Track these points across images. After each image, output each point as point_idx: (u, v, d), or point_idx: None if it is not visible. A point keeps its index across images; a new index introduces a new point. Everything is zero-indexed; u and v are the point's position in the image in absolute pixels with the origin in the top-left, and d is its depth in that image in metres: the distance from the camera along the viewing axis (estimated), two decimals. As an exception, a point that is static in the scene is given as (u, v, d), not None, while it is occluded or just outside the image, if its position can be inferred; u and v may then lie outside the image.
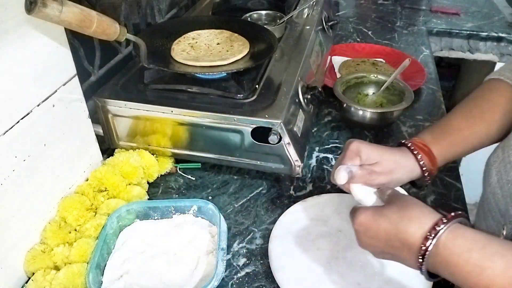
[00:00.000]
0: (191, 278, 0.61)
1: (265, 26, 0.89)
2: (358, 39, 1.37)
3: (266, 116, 0.70)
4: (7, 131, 0.57)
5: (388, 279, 0.60)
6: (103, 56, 0.86)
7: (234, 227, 0.71)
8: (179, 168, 0.82)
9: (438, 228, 0.45)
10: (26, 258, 0.63)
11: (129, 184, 0.74)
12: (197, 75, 0.76)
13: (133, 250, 0.65)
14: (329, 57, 1.13)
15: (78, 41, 0.76)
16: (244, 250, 0.67)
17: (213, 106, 0.73)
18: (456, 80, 1.95)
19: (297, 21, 1.01)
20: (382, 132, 0.93)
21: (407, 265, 0.49)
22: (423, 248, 0.45)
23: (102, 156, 0.81)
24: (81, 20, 0.58)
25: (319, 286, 0.60)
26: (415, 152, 0.61)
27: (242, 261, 0.65)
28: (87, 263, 0.62)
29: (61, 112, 0.68)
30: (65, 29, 0.65)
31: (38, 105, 0.63)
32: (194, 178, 0.81)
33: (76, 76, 0.71)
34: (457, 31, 1.43)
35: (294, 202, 0.73)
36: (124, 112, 0.76)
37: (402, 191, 0.56)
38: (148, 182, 0.79)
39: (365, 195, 0.56)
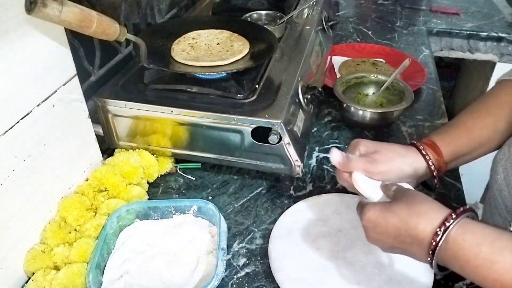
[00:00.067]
0: (191, 278, 0.61)
1: (265, 26, 0.89)
2: (358, 39, 1.37)
3: (266, 116, 0.70)
4: (7, 131, 0.57)
5: (388, 279, 0.60)
6: (103, 56, 0.86)
7: (234, 227, 0.71)
8: (179, 168, 0.82)
9: (447, 224, 0.45)
10: (26, 258, 0.63)
11: (129, 184, 0.74)
12: (197, 75, 0.76)
13: (133, 250, 0.65)
14: (329, 57, 1.13)
15: (78, 41, 0.76)
16: (244, 250, 0.67)
17: (213, 106, 0.73)
18: (456, 80, 1.96)
19: (297, 21, 1.01)
20: (382, 132, 0.93)
21: (416, 259, 0.50)
22: (433, 243, 0.46)
23: (102, 156, 0.81)
24: (81, 20, 0.58)
25: (319, 286, 0.60)
26: (417, 144, 0.62)
27: (242, 261, 0.65)
28: (87, 263, 0.62)
29: (61, 112, 0.68)
30: (65, 29, 0.65)
31: (38, 105, 0.63)
32: (194, 178, 0.81)
33: (76, 76, 0.71)
34: (457, 31, 1.43)
35: (294, 202, 0.73)
36: (124, 112, 0.76)
37: (408, 186, 0.56)
38: (148, 182, 0.79)
39: (372, 189, 0.56)
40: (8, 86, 0.57)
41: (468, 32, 1.42)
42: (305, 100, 0.79)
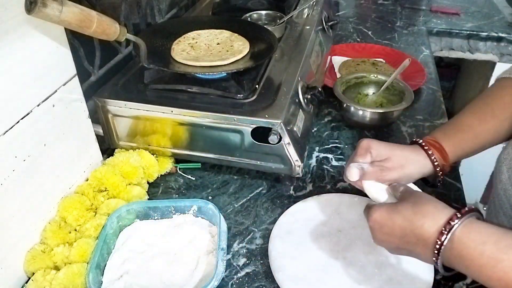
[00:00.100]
0: (191, 278, 0.61)
1: (265, 26, 0.89)
2: (358, 39, 1.37)
3: (266, 116, 0.70)
4: (7, 131, 0.57)
5: (388, 279, 0.60)
6: (103, 56, 0.86)
7: (234, 227, 0.71)
8: (179, 168, 0.82)
9: (452, 223, 0.46)
10: (26, 258, 0.63)
11: (129, 184, 0.74)
12: (197, 75, 0.76)
13: (133, 250, 0.65)
14: (329, 57, 1.13)
15: (78, 41, 0.76)
16: (244, 250, 0.67)
17: (213, 106, 0.73)
18: (456, 80, 1.96)
19: (297, 21, 1.01)
20: (382, 132, 0.93)
21: (422, 260, 0.50)
22: (438, 243, 0.46)
23: (102, 156, 0.81)
24: (81, 20, 0.58)
25: (319, 286, 0.60)
26: (426, 148, 0.62)
27: (242, 261, 0.65)
28: (87, 263, 0.62)
29: (61, 112, 0.68)
30: (65, 29, 0.65)
31: (38, 105, 0.63)
32: (194, 178, 0.81)
33: (76, 76, 0.71)
34: (457, 31, 1.43)
35: (294, 202, 0.73)
36: (124, 112, 0.76)
37: (415, 187, 0.57)
38: (148, 182, 0.79)
39: (378, 191, 0.57)
40: (8, 86, 0.57)
41: (468, 32, 1.42)
42: (305, 100, 0.79)
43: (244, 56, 0.78)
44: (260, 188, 0.78)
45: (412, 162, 0.61)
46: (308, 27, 0.97)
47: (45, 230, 0.65)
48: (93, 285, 0.58)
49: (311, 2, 1.06)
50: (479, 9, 1.58)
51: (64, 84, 0.68)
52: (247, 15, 0.99)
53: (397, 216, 0.50)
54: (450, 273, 0.49)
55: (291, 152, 0.71)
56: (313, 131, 0.93)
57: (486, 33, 1.41)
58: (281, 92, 0.75)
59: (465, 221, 0.46)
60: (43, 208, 0.67)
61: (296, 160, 0.72)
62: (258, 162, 0.75)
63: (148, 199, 0.76)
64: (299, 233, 0.67)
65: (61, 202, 0.69)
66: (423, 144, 0.63)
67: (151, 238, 0.67)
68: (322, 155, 0.86)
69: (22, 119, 0.60)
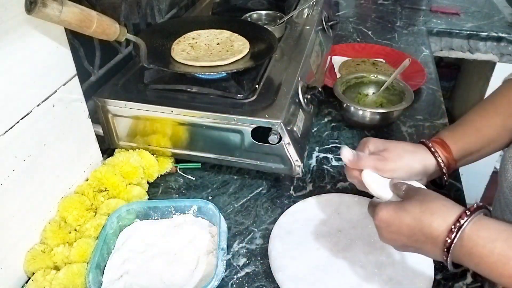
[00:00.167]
0: (191, 278, 0.61)
1: (265, 26, 0.89)
2: (358, 39, 1.37)
3: (266, 116, 0.70)
4: (7, 131, 0.57)
5: (388, 279, 0.60)
6: (103, 56, 0.86)
7: (234, 227, 0.71)
8: (179, 168, 0.82)
9: (462, 221, 0.46)
10: (26, 258, 0.63)
11: (129, 184, 0.74)
12: (197, 75, 0.76)
13: (133, 250, 0.65)
14: (329, 57, 1.13)
15: (78, 41, 0.76)
16: (244, 250, 0.67)
17: (213, 106, 0.73)
18: (456, 80, 1.96)
19: (297, 21, 1.01)
20: (382, 132, 0.93)
21: (431, 257, 0.50)
22: (448, 241, 0.46)
23: (102, 156, 0.81)
24: (81, 20, 0.58)
25: (319, 286, 0.60)
26: (426, 142, 0.62)
27: (242, 261, 0.65)
28: (87, 263, 0.62)
29: (61, 112, 0.68)
30: (65, 29, 0.65)
31: (38, 105, 0.63)
32: (194, 178, 0.81)
33: (76, 76, 0.71)
34: (457, 31, 1.43)
35: (294, 202, 0.73)
36: (124, 112, 0.76)
37: (418, 184, 0.56)
38: (148, 182, 0.79)
39: (380, 187, 0.57)
40: (8, 86, 0.57)
41: (468, 32, 1.42)
42: (305, 100, 0.79)
43: (244, 56, 0.78)
44: (260, 188, 0.78)
45: (411, 153, 0.60)
46: (308, 27, 0.97)
47: (45, 230, 0.65)
48: (93, 285, 0.58)
49: (311, 2, 1.06)
50: (479, 9, 1.58)
51: (64, 84, 0.68)
52: (247, 15, 0.99)
53: (404, 215, 0.49)
54: (459, 269, 0.49)
55: (291, 152, 0.71)
56: (313, 131, 0.93)
57: (486, 33, 1.41)
58: (281, 92, 0.75)
59: (474, 219, 0.46)
60: (43, 208, 0.67)
61: (296, 160, 0.72)
62: (258, 162, 0.75)
63: (148, 199, 0.76)
64: (299, 233, 0.67)
65: (61, 202, 0.69)
66: (423, 140, 0.63)
67: (151, 238, 0.67)
68: (322, 155, 0.86)
69: (22, 119, 0.60)
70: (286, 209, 0.72)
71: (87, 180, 0.75)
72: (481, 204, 0.48)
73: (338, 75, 1.13)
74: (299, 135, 0.75)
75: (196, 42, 0.83)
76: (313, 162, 0.84)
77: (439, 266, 0.61)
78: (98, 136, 0.79)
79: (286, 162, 0.73)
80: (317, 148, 0.88)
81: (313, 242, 0.66)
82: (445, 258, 0.47)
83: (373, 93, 1.01)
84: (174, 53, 0.78)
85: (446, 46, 1.47)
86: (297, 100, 0.78)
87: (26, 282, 0.61)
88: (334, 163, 0.84)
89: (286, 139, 0.70)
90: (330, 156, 0.86)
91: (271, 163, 0.74)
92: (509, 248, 0.44)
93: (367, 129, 0.93)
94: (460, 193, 0.76)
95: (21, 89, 0.60)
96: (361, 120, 0.91)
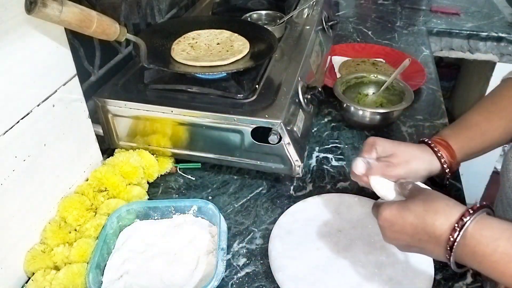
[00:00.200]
0: (191, 278, 0.61)
1: (265, 26, 0.89)
2: (358, 39, 1.37)
3: (266, 116, 0.70)
4: (7, 131, 0.57)
5: (388, 279, 0.60)
6: (103, 56, 0.86)
7: (234, 227, 0.71)
8: (179, 168, 0.82)
9: (465, 220, 0.46)
10: (26, 258, 0.63)
11: (129, 184, 0.74)
12: (197, 75, 0.76)
13: (133, 250, 0.65)
14: (329, 57, 1.13)
15: (78, 41, 0.76)
16: (244, 250, 0.67)
17: (213, 106, 0.73)
18: (456, 80, 1.96)
19: (297, 21, 1.01)
20: (382, 132, 0.93)
21: (434, 257, 0.50)
22: (451, 239, 0.46)
23: (102, 156, 0.81)
24: (81, 20, 0.58)
25: (319, 286, 0.60)
26: (432, 145, 0.63)
27: (242, 261, 0.65)
28: (87, 263, 0.62)
29: (61, 112, 0.68)
30: (65, 29, 0.65)
31: (38, 105, 0.63)
32: (194, 178, 0.81)
33: (76, 76, 0.71)
34: (457, 31, 1.43)
35: (294, 202, 0.73)
36: (124, 112, 0.76)
37: (423, 185, 0.57)
38: (148, 182, 0.79)
39: (386, 189, 0.57)
40: (8, 86, 0.57)
41: (468, 32, 1.42)
42: (305, 100, 0.79)
43: (244, 56, 0.78)
44: (260, 188, 0.78)
45: (418, 158, 0.61)
46: (308, 27, 0.97)
47: (45, 230, 0.65)
48: (93, 285, 0.58)
49: (311, 2, 1.06)
50: (479, 9, 1.58)
51: (64, 84, 0.68)
52: (247, 15, 0.99)
53: (408, 214, 0.49)
54: (462, 270, 0.49)
55: (291, 152, 0.71)
56: (313, 131, 0.93)
57: (486, 33, 1.41)
58: (281, 92, 0.75)
59: (477, 217, 0.46)
60: (43, 208, 0.67)
61: (296, 160, 0.72)
62: (258, 162, 0.75)
63: (148, 199, 0.76)
64: (299, 233, 0.67)
65: (61, 202, 0.69)
66: (430, 142, 0.63)
67: (151, 238, 0.67)
68: (322, 155, 0.86)
69: (22, 119, 0.60)
70: (286, 209, 0.72)
71: (87, 180, 0.75)
72: (484, 203, 0.48)
73: (338, 75, 1.13)
74: (299, 135, 0.75)
75: (196, 42, 0.83)
76: (313, 162, 0.84)
77: (439, 266, 0.61)
78: (98, 136, 0.79)
79: (286, 162, 0.73)
80: (317, 148, 0.88)
81: (313, 242, 0.66)
82: (448, 257, 0.47)
83: (373, 93, 1.01)
84: (174, 53, 0.78)
85: (446, 46, 1.47)
86: (297, 100, 0.78)
87: (26, 282, 0.61)
88: (334, 163, 0.84)
89: (286, 139, 0.70)
90: (330, 156, 0.86)
91: (271, 163, 0.74)
92: (511, 247, 0.44)
93: (367, 129, 0.93)
94: (460, 193, 0.76)
95: (21, 89, 0.60)
96: (361, 120, 0.91)
